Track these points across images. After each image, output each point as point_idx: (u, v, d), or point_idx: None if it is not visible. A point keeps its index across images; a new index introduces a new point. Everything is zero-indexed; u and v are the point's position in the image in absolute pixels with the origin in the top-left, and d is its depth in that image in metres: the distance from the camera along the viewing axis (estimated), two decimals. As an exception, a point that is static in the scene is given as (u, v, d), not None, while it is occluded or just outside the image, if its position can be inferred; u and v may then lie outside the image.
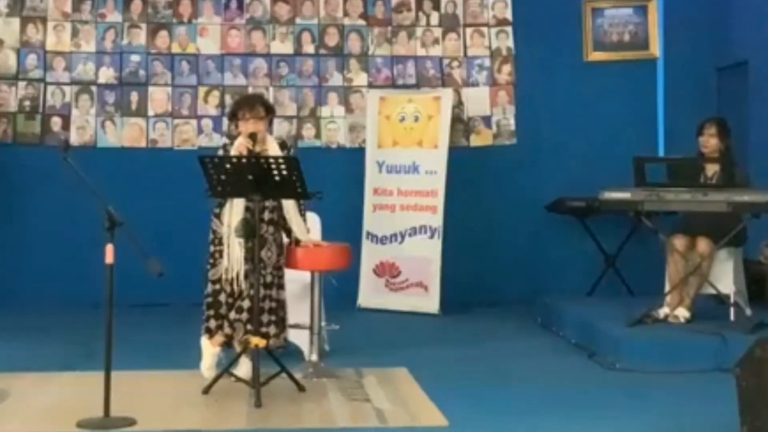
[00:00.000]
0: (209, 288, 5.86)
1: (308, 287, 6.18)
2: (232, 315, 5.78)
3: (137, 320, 7.61)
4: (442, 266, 8.63)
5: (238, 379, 5.64)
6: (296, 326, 6.12)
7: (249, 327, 5.66)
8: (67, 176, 5.15)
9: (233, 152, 5.77)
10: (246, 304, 5.73)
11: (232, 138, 6.21)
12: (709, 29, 9.22)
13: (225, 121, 9.02)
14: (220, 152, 5.94)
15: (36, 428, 5.01)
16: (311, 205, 6.22)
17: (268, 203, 5.87)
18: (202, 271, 5.93)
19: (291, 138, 8.95)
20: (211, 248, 5.89)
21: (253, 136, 5.79)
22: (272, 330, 5.82)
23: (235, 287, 5.77)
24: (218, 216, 5.86)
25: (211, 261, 5.88)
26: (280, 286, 5.93)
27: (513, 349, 7.16)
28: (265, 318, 5.79)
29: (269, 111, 6.04)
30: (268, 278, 5.86)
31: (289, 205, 5.95)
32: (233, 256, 5.77)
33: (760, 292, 7.22)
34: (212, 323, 5.83)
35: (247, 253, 5.71)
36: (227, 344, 5.85)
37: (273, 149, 5.90)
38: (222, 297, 5.82)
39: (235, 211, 5.75)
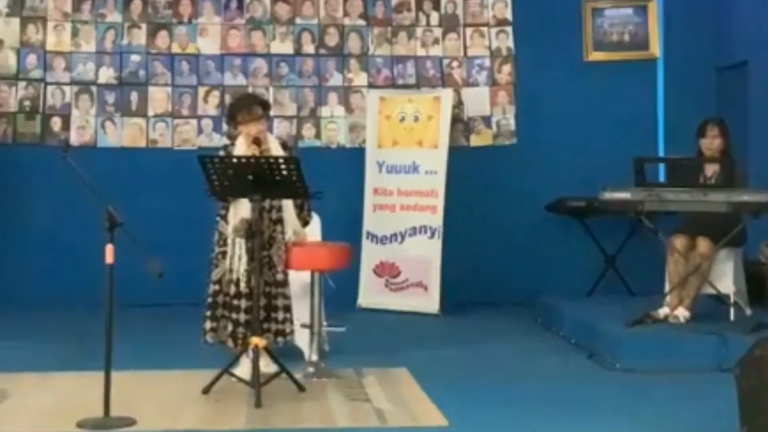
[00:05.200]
0: (210, 288, 5.90)
1: (308, 287, 6.18)
2: (242, 316, 5.80)
3: (137, 320, 7.61)
4: (442, 266, 8.63)
5: (239, 379, 5.64)
6: (304, 326, 6.14)
7: (264, 325, 5.78)
8: (67, 176, 5.15)
9: (237, 153, 5.81)
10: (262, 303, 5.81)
11: (232, 138, 6.25)
12: (709, 29, 9.21)
13: (225, 120, 9.04)
14: (222, 153, 5.97)
15: (36, 428, 5.01)
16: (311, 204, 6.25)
17: (276, 202, 5.91)
18: (207, 272, 5.98)
19: (291, 138, 8.95)
20: (216, 249, 5.94)
21: (257, 141, 5.83)
22: (287, 327, 5.96)
23: (242, 287, 5.78)
24: (224, 218, 5.89)
25: (215, 262, 5.92)
26: (287, 284, 6.02)
27: (513, 349, 7.16)
28: (280, 316, 5.93)
29: (266, 108, 6.07)
30: (279, 276, 5.97)
31: (287, 205, 5.98)
32: (242, 257, 5.79)
33: (760, 292, 7.22)
34: (207, 324, 5.89)
35: (251, 253, 5.73)
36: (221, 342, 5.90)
37: (275, 149, 5.95)
38: (220, 298, 5.86)
39: (239, 211, 5.77)
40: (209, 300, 5.91)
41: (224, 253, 5.87)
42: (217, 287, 5.89)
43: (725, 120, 7.30)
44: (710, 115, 7.71)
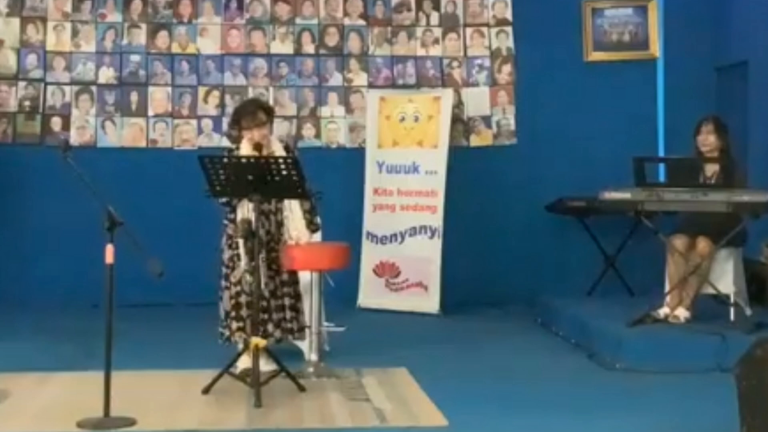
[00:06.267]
0: (233, 290, 5.95)
1: (308, 287, 6.19)
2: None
3: (137, 320, 7.60)
4: (442, 266, 8.63)
5: (238, 379, 5.64)
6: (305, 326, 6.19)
7: (270, 324, 5.98)
8: (67, 176, 5.16)
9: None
10: (272, 303, 5.98)
11: (232, 138, 6.32)
12: (709, 29, 9.21)
13: (225, 121, 9.03)
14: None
15: (36, 428, 5.01)
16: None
17: (281, 204, 5.97)
18: (219, 275, 6.01)
19: (291, 138, 8.96)
20: (229, 252, 6.00)
21: (258, 147, 5.86)
22: (295, 325, 6.11)
23: (263, 287, 5.82)
24: (233, 221, 5.92)
25: (231, 264, 5.96)
26: (295, 283, 6.15)
27: (513, 349, 7.16)
28: (288, 314, 6.07)
29: (269, 113, 6.13)
30: (285, 276, 6.10)
31: (293, 206, 6.01)
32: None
33: (760, 292, 7.22)
34: (234, 324, 5.98)
35: (251, 253, 5.75)
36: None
37: (279, 153, 5.99)
38: (243, 299, 5.92)
39: (244, 212, 5.80)
40: (232, 302, 6.00)
41: (238, 256, 5.92)
42: (238, 288, 5.96)
43: (722, 119, 7.29)
44: (710, 114, 7.71)
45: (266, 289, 5.94)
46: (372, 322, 8.25)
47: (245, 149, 6.00)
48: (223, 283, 6.11)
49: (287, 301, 6.12)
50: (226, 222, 6.08)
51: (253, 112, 6.05)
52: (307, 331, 6.20)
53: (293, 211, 6.03)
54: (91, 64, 9.16)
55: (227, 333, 6.10)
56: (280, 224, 6.08)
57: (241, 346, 5.87)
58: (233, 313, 6.01)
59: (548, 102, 9.23)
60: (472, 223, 9.06)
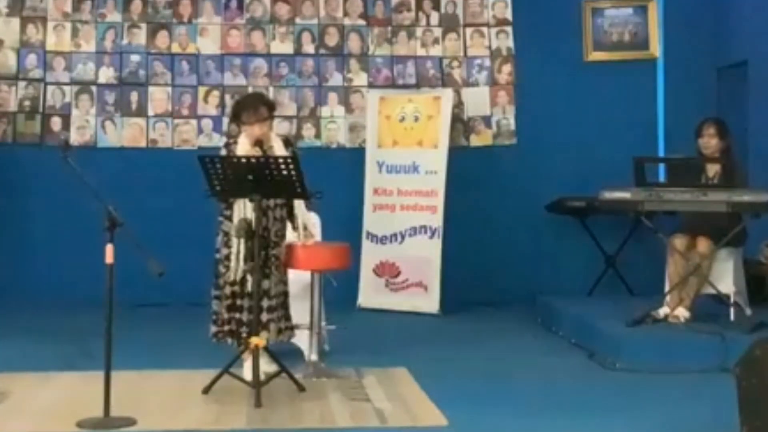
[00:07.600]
0: (227, 290, 5.87)
1: (308, 287, 6.19)
2: (265, 315, 5.83)
3: (137, 320, 7.61)
4: (442, 266, 8.63)
5: (239, 379, 5.64)
6: (303, 326, 6.15)
7: (281, 324, 5.90)
8: (67, 176, 5.16)
9: (239, 154, 5.80)
10: (265, 302, 5.85)
11: (232, 137, 6.26)
12: (709, 29, 9.22)
13: (225, 121, 9.04)
14: (223, 151, 5.97)
15: (36, 428, 5.01)
16: (311, 205, 6.24)
17: (280, 201, 5.90)
18: (215, 274, 5.98)
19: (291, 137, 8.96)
20: (225, 250, 5.89)
21: (259, 143, 5.82)
22: (283, 324, 5.95)
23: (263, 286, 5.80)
24: (229, 218, 5.86)
25: (227, 263, 5.88)
26: (285, 281, 6.05)
27: (513, 349, 7.16)
28: (276, 312, 5.94)
29: (271, 109, 6.05)
30: (282, 274, 6.00)
31: (297, 204, 6.00)
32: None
33: (760, 292, 7.22)
34: (226, 327, 5.88)
35: (251, 253, 5.72)
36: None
37: (278, 147, 5.93)
38: (239, 301, 5.85)
39: (245, 211, 5.76)
40: (228, 302, 5.88)
41: (234, 254, 5.85)
42: (235, 288, 5.87)
43: (724, 120, 7.30)
44: (710, 115, 7.72)
45: (268, 288, 5.91)
46: (372, 322, 8.25)
47: (243, 144, 5.91)
48: (217, 281, 6.00)
49: (275, 300, 5.97)
50: (221, 219, 5.98)
51: (254, 106, 5.92)
52: (307, 331, 6.19)
53: (299, 208, 5.99)
54: (91, 64, 9.17)
55: (214, 329, 5.96)
56: (278, 220, 5.99)
57: (238, 348, 5.83)
58: (227, 315, 5.89)
59: (548, 102, 9.24)
60: (472, 223, 9.06)
